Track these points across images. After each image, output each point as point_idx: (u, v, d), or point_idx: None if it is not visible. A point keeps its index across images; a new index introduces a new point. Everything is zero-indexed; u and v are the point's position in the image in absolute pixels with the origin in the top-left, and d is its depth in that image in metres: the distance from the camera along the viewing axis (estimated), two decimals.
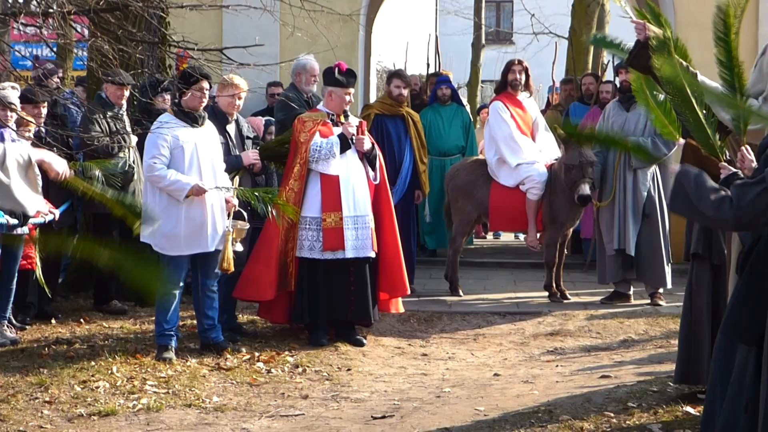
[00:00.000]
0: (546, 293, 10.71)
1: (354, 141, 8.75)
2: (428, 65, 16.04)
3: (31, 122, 8.43)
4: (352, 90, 8.92)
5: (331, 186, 8.70)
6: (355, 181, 8.78)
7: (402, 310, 9.27)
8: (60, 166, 5.53)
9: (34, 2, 7.64)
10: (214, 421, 6.72)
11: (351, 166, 8.78)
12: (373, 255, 8.80)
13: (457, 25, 31.77)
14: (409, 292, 9.25)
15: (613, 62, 13.79)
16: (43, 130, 8.51)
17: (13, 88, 8.36)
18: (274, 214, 8.27)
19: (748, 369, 5.05)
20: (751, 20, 11.91)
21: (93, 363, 7.80)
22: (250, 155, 8.87)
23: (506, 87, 10.96)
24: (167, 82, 9.31)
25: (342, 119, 8.89)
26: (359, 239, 8.70)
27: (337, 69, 8.86)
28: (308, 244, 8.69)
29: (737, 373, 5.10)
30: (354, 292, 8.73)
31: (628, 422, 6.54)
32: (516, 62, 11.06)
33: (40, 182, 5.66)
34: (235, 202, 8.27)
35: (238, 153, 8.83)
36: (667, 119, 6.39)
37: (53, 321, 9.35)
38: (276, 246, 8.66)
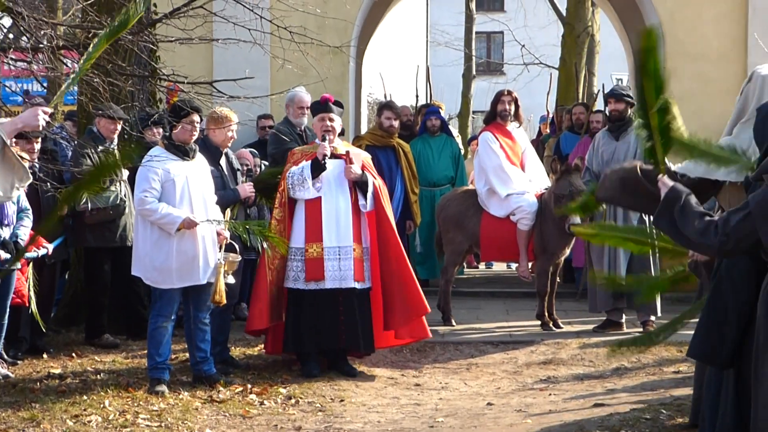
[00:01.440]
0: (538, 322, 10.70)
1: (324, 161, 8.68)
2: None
3: (26, 158, 8.44)
4: (331, 114, 8.85)
5: (313, 217, 8.71)
6: (340, 211, 8.76)
7: (430, 335, 9.25)
8: (34, 121, 5.43)
9: (24, 37, 7.65)
10: None
11: (336, 195, 8.78)
12: (355, 285, 8.75)
13: (448, 57, 31.94)
14: (429, 309, 9.13)
15: (603, 91, 13.84)
16: (36, 165, 8.53)
17: None
18: (265, 246, 8.29)
19: (729, 395, 5.05)
20: (740, 49, 11.95)
21: (85, 397, 7.78)
22: (247, 188, 8.90)
23: (495, 117, 10.97)
24: (158, 116, 9.35)
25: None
26: (341, 270, 8.68)
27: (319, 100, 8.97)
28: (293, 274, 8.71)
29: (724, 404, 5.11)
30: (344, 321, 8.72)
31: None
32: (505, 93, 11.08)
33: (26, 161, 5.51)
34: (227, 234, 8.28)
35: (233, 186, 8.85)
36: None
37: (45, 355, 9.31)
38: (264, 275, 8.66)
